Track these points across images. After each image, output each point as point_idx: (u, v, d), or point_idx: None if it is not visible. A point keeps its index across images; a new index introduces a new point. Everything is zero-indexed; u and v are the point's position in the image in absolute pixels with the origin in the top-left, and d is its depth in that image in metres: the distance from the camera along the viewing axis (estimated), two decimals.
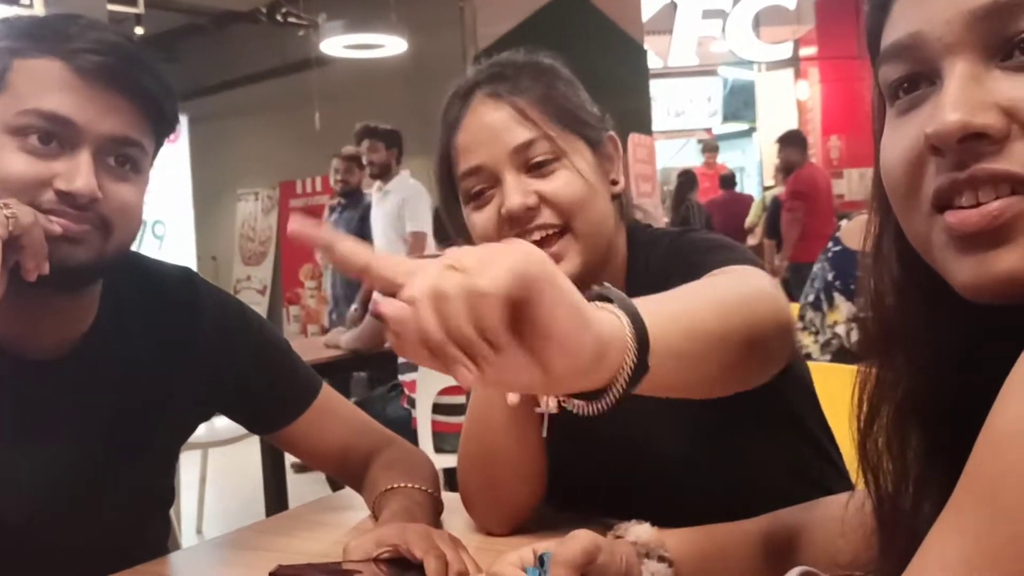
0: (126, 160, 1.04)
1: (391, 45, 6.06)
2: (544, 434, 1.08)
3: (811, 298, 2.86)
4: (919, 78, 0.57)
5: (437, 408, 3.12)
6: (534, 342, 0.59)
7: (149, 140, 1.07)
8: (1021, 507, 0.42)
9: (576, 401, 0.68)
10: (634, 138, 4.16)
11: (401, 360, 3.35)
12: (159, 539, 1.28)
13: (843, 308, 2.75)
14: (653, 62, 7.89)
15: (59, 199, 0.98)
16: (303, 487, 4.20)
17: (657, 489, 1.07)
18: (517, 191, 1.06)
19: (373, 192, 5.01)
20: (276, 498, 3.48)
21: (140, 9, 5.52)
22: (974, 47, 0.54)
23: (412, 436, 3.06)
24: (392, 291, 0.59)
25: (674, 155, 11.67)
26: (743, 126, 11.46)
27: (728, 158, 10.95)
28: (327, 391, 1.28)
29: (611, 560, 0.81)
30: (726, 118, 10.79)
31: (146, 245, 7.07)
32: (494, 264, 0.56)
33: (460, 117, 1.11)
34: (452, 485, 1.22)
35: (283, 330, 7.82)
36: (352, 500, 1.30)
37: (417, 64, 6.54)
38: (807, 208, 6.63)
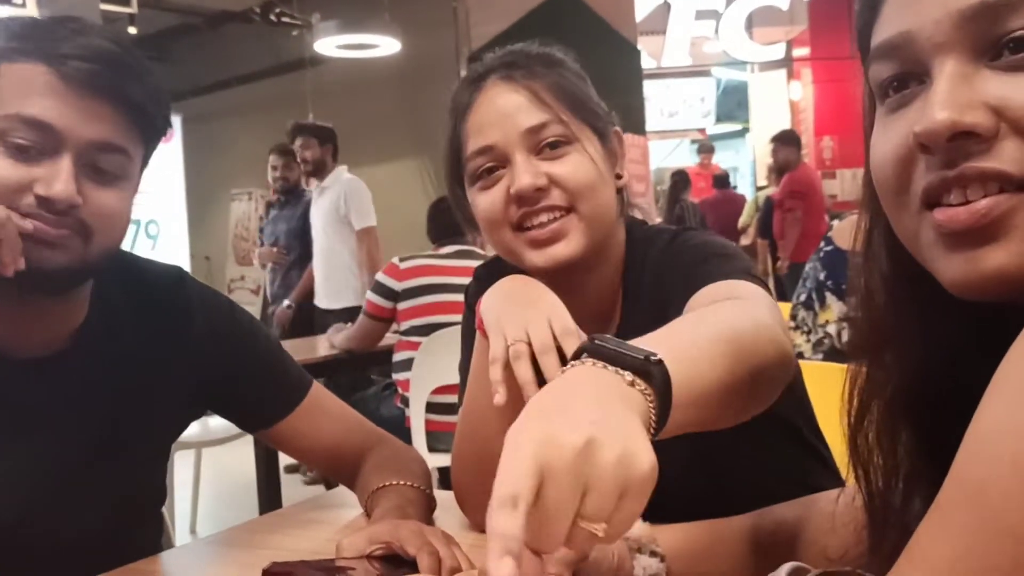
0: (109, 166, 1.04)
1: (385, 45, 6.05)
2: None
3: (803, 298, 2.87)
4: (909, 77, 0.57)
5: (431, 407, 3.12)
6: None
7: (135, 147, 1.07)
8: (1006, 505, 0.43)
9: None
10: (627, 138, 4.16)
11: (395, 359, 3.35)
12: (152, 538, 1.28)
13: (834, 308, 2.76)
14: (646, 62, 7.90)
15: (38, 204, 0.98)
16: (297, 486, 4.21)
17: None
18: (527, 171, 1.07)
19: (312, 189, 4.94)
20: (269, 497, 3.47)
21: (133, 9, 5.51)
22: (963, 46, 0.54)
23: (406, 435, 3.06)
24: None
25: (667, 155, 11.69)
26: (736, 126, 11.49)
27: (721, 158, 10.97)
28: (317, 389, 1.29)
29: (603, 556, 0.82)
30: (719, 118, 10.82)
31: (139, 245, 7.05)
32: None
33: (472, 101, 1.12)
34: (446, 483, 1.22)
35: (277, 329, 7.80)
36: (345, 498, 1.30)
37: (411, 64, 6.54)
38: (804, 208, 6.65)
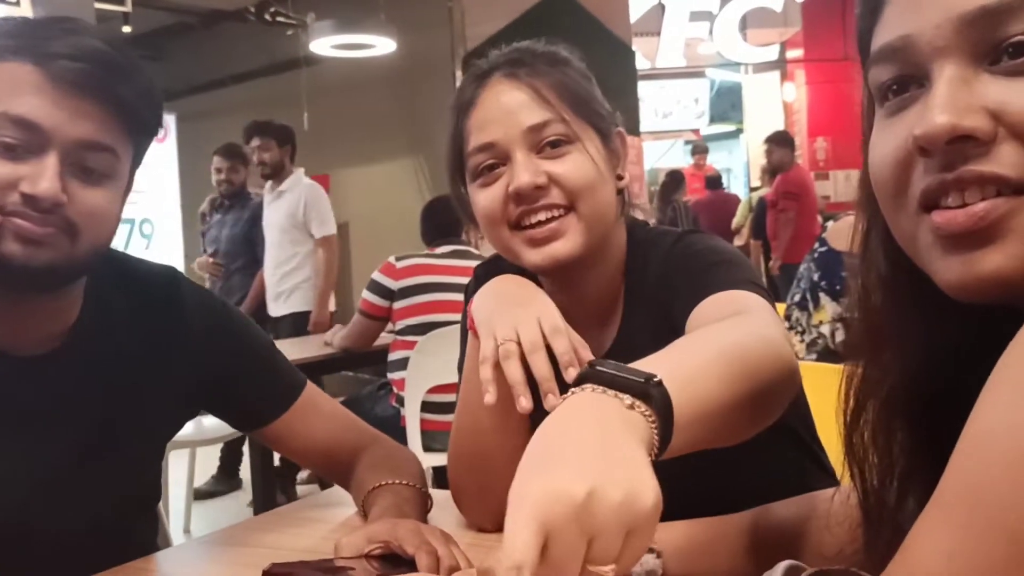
0: (97, 165, 1.04)
1: (380, 45, 6.03)
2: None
3: (797, 298, 2.88)
4: (909, 80, 0.58)
5: (426, 406, 3.12)
6: None
7: (124, 146, 1.07)
8: (1002, 503, 0.43)
9: None
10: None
11: (390, 358, 3.35)
12: (147, 536, 1.28)
13: (828, 308, 2.77)
14: (641, 63, 7.91)
15: (24, 201, 0.99)
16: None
17: None
18: (527, 169, 1.07)
19: (265, 192, 4.67)
20: (264, 497, 3.47)
21: (128, 8, 5.49)
22: (963, 51, 0.55)
23: (401, 434, 3.06)
24: None
25: (661, 156, 11.71)
26: (730, 127, 11.51)
27: (715, 159, 10.99)
28: (311, 389, 1.29)
29: None
30: (713, 119, 10.83)
31: (134, 244, 7.02)
32: None
33: (475, 97, 1.12)
34: (443, 483, 1.22)
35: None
36: (340, 497, 1.30)
37: (406, 64, 6.53)
38: (797, 209, 6.66)
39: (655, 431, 0.64)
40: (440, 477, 2.93)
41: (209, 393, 1.24)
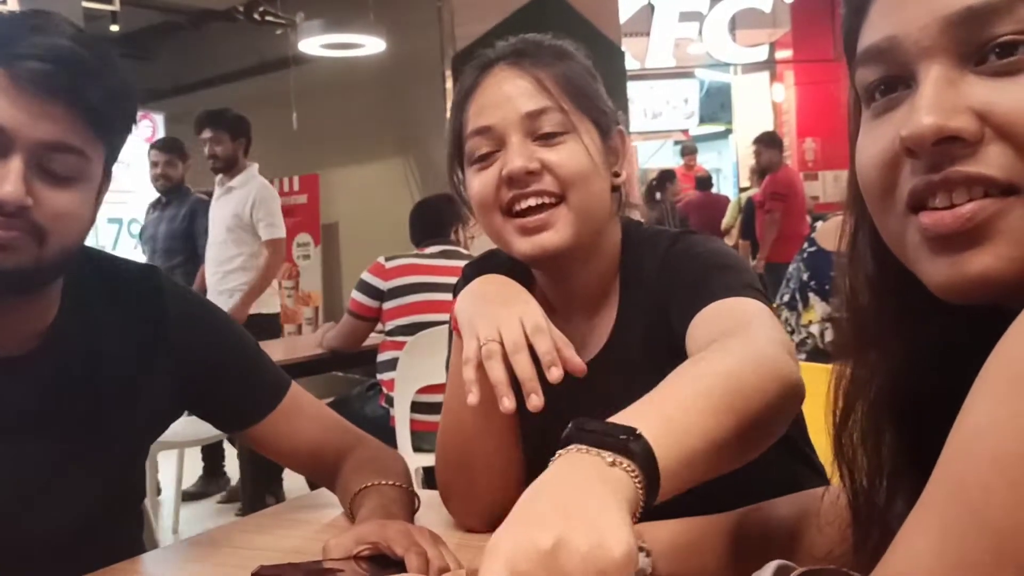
0: (63, 168, 1.02)
1: (369, 45, 6.03)
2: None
3: (786, 298, 2.89)
4: (895, 81, 0.58)
5: (416, 407, 3.12)
6: None
7: (93, 146, 1.05)
8: (988, 505, 0.43)
9: None
10: None
11: (379, 359, 3.35)
12: (132, 536, 1.28)
13: (818, 308, 2.78)
14: (630, 64, 7.92)
15: None
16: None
17: None
18: (521, 154, 1.07)
19: (215, 187, 4.45)
20: (253, 497, 3.47)
21: (116, 7, 5.48)
22: (949, 51, 0.55)
23: (390, 435, 3.06)
24: None
25: (651, 156, 11.72)
26: (719, 128, 11.53)
27: (704, 159, 11.01)
28: (296, 390, 1.28)
29: None
30: (703, 120, 10.85)
31: (122, 244, 7.01)
32: None
33: (477, 84, 1.12)
34: (432, 483, 1.22)
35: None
36: (328, 498, 1.29)
37: (395, 64, 6.52)
38: (784, 209, 6.68)
39: (638, 484, 0.66)
40: (430, 477, 2.92)
41: (192, 393, 1.23)
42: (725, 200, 8.91)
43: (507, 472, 1.13)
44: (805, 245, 2.91)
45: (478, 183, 1.11)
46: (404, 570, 0.92)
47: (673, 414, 0.75)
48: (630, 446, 0.67)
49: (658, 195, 7.93)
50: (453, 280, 1.27)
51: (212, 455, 4.58)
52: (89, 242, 1.15)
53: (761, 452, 0.84)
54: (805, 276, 2.83)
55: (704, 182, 9.12)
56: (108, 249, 1.19)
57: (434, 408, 3.04)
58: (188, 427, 3.61)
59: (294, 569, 0.96)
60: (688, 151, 10.23)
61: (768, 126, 9.14)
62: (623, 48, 5.44)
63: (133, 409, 1.17)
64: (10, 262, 1.00)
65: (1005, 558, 0.43)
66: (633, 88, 7.59)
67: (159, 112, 7.80)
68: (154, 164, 4.67)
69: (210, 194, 4.56)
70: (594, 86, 1.15)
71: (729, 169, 11.30)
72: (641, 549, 0.86)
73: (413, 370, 3.03)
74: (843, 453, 0.67)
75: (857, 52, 0.61)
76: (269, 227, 4.30)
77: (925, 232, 0.55)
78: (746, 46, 9.55)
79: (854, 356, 0.66)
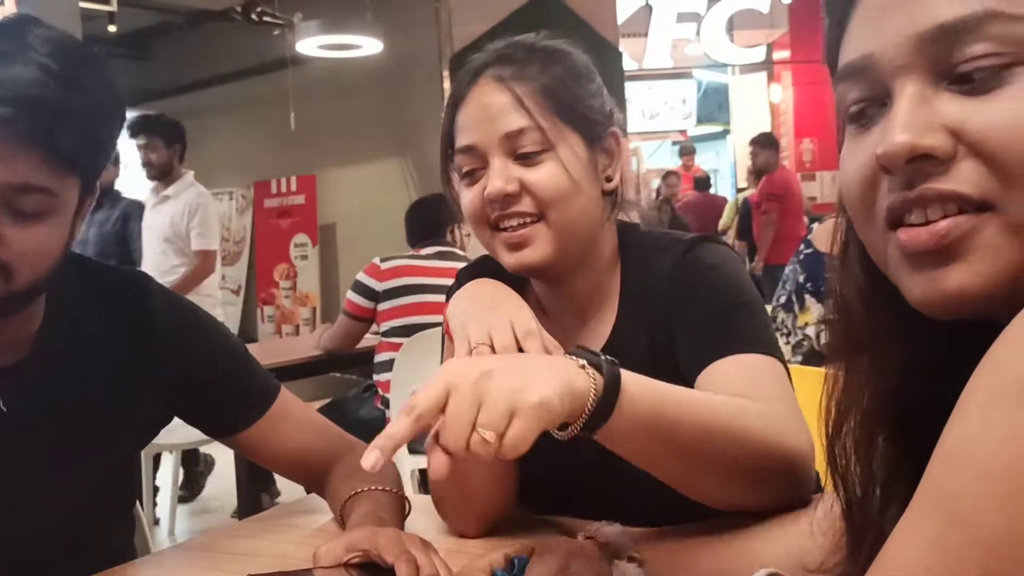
0: (31, 206, 0.99)
1: (367, 45, 6.02)
2: None
3: (782, 300, 2.89)
4: (873, 98, 0.58)
5: None
6: None
7: (63, 181, 1.02)
8: (974, 516, 0.43)
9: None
10: None
11: (376, 360, 3.34)
12: (123, 540, 1.28)
13: (814, 310, 2.78)
14: (628, 64, 7.92)
15: None
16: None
17: (627, 490, 1.08)
18: (500, 176, 1.07)
19: (148, 195, 4.35)
20: (249, 501, 3.46)
21: (113, 7, 5.47)
22: (923, 69, 0.55)
23: None
24: None
25: (648, 157, 11.72)
26: (717, 128, 11.54)
27: (702, 160, 11.02)
28: (285, 395, 1.28)
29: (583, 562, 0.82)
30: (700, 120, 10.86)
31: None
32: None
33: (464, 95, 1.13)
34: (427, 486, 1.22)
35: (258, 331, 7.77)
36: (320, 503, 1.29)
37: (393, 65, 6.52)
38: (780, 210, 6.69)
39: (592, 392, 0.77)
40: (427, 480, 2.92)
41: (181, 399, 1.22)
42: (723, 201, 8.92)
43: (502, 481, 1.12)
44: (801, 247, 2.91)
45: (467, 198, 1.12)
46: None
47: (663, 387, 0.85)
48: (603, 365, 0.79)
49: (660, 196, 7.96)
50: (449, 281, 1.27)
51: (188, 460, 4.53)
52: None
53: (722, 498, 0.91)
54: (801, 278, 2.82)
55: (702, 183, 9.13)
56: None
57: None
58: (186, 430, 3.62)
59: None
60: (686, 152, 10.24)
61: (766, 127, 9.15)
62: (621, 49, 5.43)
63: (122, 414, 1.17)
64: None
65: (993, 572, 0.42)
66: (631, 89, 7.59)
67: (157, 112, 7.79)
68: None
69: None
70: (580, 92, 1.12)
71: (727, 170, 11.32)
72: (634, 559, 0.85)
73: (409, 371, 3.03)
74: (836, 462, 0.67)
75: (838, 67, 0.61)
76: (200, 236, 4.21)
77: (903, 249, 0.56)
78: (744, 47, 9.55)
79: (846, 363, 0.66)
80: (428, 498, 1.19)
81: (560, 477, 1.15)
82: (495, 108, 1.09)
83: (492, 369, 0.74)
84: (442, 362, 1.18)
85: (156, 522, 3.98)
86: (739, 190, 9.28)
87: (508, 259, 1.11)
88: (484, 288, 1.10)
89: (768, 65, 9.89)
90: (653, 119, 10.22)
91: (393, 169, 7.08)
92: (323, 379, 4.31)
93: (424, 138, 6.30)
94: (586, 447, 1.11)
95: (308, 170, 7.66)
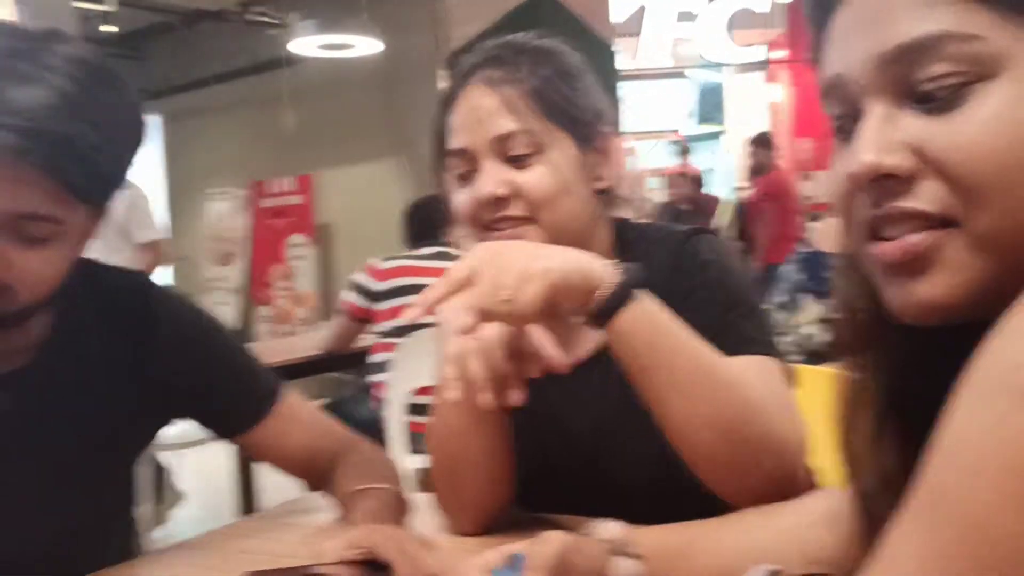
0: (38, 233, 0.98)
1: (363, 45, 6.01)
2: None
3: (779, 300, 2.89)
4: (848, 114, 0.60)
5: (413, 408, 3.11)
6: None
7: (70, 209, 1.00)
8: (965, 511, 0.44)
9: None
10: None
11: (371, 360, 3.34)
12: (125, 542, 1.27)
13: (812, 309, 2.78)
14: (625, 63, 7.92)
15: None
16: (277, 490, 4.18)
17: (626, 488, 1.08)
18: (490, 179, 1.08)
19: None
20: (247, 500, 3.46)
21: (109, 7, 5.46)
22: (887, 89, 0.57)
23: (383, 437, 3.05)
24: None
25: (645, 156, 11.71)
26: (713, 128, 11.53)
27: (699, 159, 11.01)
28: (290, 394, 1.28)
29: (582, 559, 0.82)
30: (697, 120, 10.85)
31: None
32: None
33: (455, 97, 1.13)
34: (427, 486, 1.22)
35: (255, 330, 7.76)
36: (320, 502, 1.29)
37: (389, 65, 6.51)
38: (777, 210, 6.69)
39: (608, 280, 0.91)
40: (427, 479, 2.91)
41: (185, 401, 1.22)
42: (715, 200, 8.92)
43: (499, 479, 1.12)
44: (798, 247, 2.91)
45: (458, 200, 1.12)
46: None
47: (678, 320, 0.94)
48: (629, 268, 0.93)
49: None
50: None
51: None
52: None
53: (703, 453, 0.95)
54: (798, 278, 2.83)
55: (697, 182, 9.12)
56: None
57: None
58: (184, 429, 3.61)
59: (283, 574, 0.96)
60: (682, 151, 10.23)
61: (763, 126, 9.14)
62: (618, 48, 5.44)
63: (124, 418, 1.17)
64: None
65: (987, 566, 0.43)
66: (627, 88, 7.58)
67: (155, 113, 7.79)
68: None
69: None
70: (571, 93, 1.12)
71: (723, 169, 11.31)
72: (632, 555, 0.85)
73: (406, 371, 3.02)
74: (848, 456, 0.68)
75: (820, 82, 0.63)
76: (142, 229, 4.16)
77: (879, 260, 0.58)
78: (741, 46, 9.55)
79: (853, 358, 0.67)
80: (428, 497, 1.19)
81: (557, 476, 1.15)
82: (485, 111, 1.09)
83: (513, 247, 0.92)
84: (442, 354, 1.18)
85: (156, 523, 3.98)
86: (736, 189, 9.28)
87: None
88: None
89: (766, 64, 9.89)
90: (649, 119, 10.22)
91: (390, 169, 7.07)
92: (320, 379, 4.31)
93: (421, 138, 6.25)
94: (585, 445, 1.11)
95: (305, 170, 7.66)
